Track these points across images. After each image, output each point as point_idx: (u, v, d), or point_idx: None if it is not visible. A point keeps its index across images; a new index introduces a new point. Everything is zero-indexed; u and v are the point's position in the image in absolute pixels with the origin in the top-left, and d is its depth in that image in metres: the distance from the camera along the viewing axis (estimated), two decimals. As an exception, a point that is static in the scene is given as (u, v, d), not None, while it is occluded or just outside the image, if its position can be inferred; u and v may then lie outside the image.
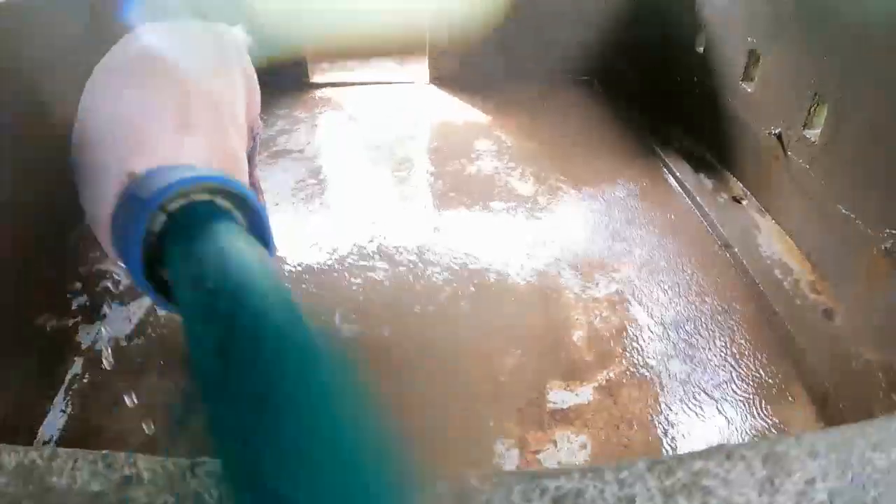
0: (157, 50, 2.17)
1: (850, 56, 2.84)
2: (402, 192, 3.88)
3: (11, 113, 2.91)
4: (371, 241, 3.41)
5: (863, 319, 2.73)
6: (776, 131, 3.37)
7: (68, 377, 2.71)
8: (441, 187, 3.91)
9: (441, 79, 5.45)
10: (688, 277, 3.19)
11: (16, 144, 2.98)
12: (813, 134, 3.12)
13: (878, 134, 2.69)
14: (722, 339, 2.83)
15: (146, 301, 3.06)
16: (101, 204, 1.71)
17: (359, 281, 3.10)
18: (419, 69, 5.73)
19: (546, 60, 5.14)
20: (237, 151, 2.23)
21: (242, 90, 2.62)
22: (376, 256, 3.27)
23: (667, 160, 4.08)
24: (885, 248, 2.60)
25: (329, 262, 3.25)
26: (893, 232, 2.58)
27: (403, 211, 3.68)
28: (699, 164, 4.00)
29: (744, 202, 3.65)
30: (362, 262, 3.23)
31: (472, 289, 3.05)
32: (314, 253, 3.33)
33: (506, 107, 4.94)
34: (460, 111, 4.94)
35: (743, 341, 2.82)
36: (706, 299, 3.05)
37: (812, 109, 3.14)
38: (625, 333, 2.82)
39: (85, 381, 2.69)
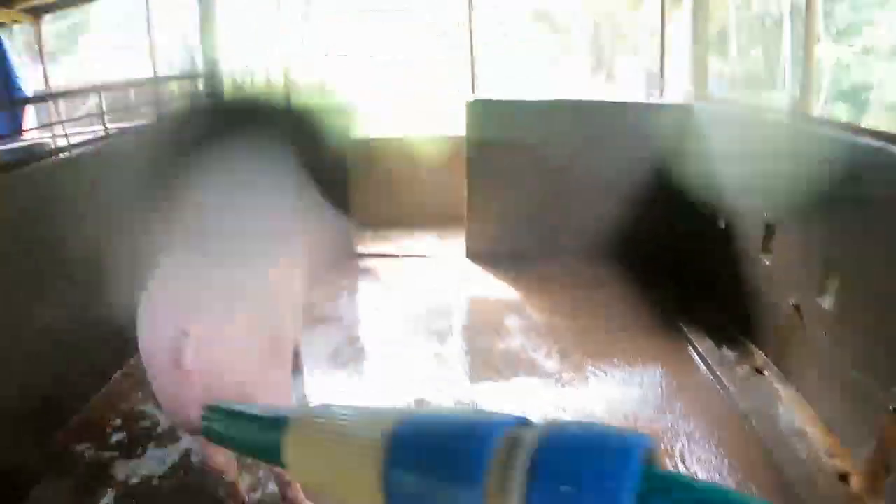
0: (229, 224, 2.36)
1: (859, 228, 2.96)
2: (434, 365, 3.95)
3: (62, 253, 3.19)
4: (395, 403, 3.46)
5: (878, 481, 2.66)
6: (793, 301, 3.40)
7: None
8: (471, 362, 3.97)
9: (476, 254, 5.62)
10: (706, 452, 3.13)
11: (68, 284, 3.25)
12: (826, 302, 3.16)
13: (887, 301, 2.74)
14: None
15: (183, 444, 3.15)
16: (158, 353, 2.03)
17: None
18: (457, 243, 5.92)
19: (576, 238, 5.31)
20: (287, 329, 2.42)
21: (300, 268, 2.79)
22: None
23: (690, 335, 4.11)
24: (895, 408, 2.56)
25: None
26: None
27: (433, 385, 3.72)
28: (722, 337, 4.02)
29: (765, 372, 3.63)
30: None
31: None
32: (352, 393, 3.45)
33: (536, 282, 5.05)
34: (493, 286, 5.08)
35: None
36: (723, 473, 2.98)
37: (824, 279, 3.19)
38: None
39: (115, 514, 2.75)
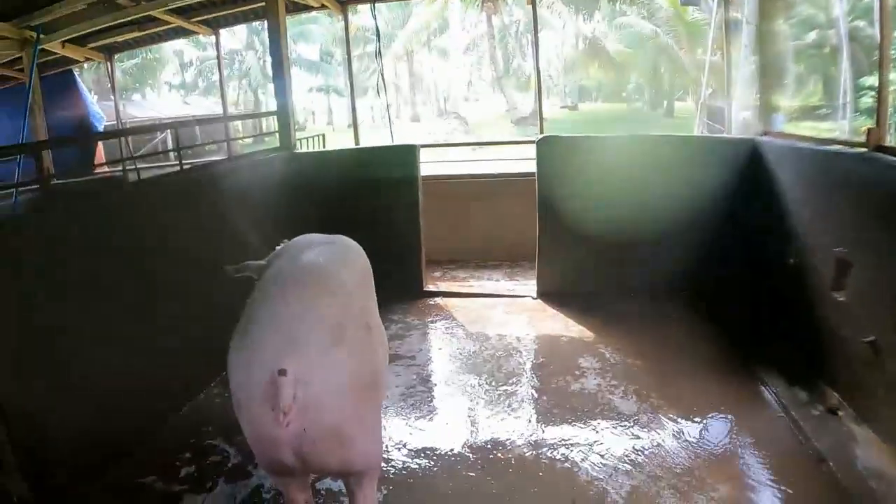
0: (322, 264, 2.48)
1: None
2: (507, 406, 3.92)
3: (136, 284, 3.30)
4: (474, 451, 3.44)
5: None
6: (870, 339, 3.28)
7: None
8: (545, 403, 3.93)
9: (547, 294, 5.59)
10: (784, 495, 3.03)
11: (139, 320, 3.35)
12: (906, 340, 3.04)
13: None
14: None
15: (254, 481, 3.19)
16: (254, 391, 2.05)
17: (462, 490, 3.12)
18: (528, 282, 5.92)
19: (647, 275, 5.25)
20: (380, 368, 2.43)
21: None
22: (479, 466, 3.29)
23: (762, 374, 4.02)
24: None
25: (434, 469, 3.30)
26: None
27: (507, 425, 3.70)
28: (794, 376, 3.89)
29: (840, 413, 3.49)
30: (466, 473, 3.25)
31: None
32: (420, 458, 3.39)
33: (609, 322, 4.97)
34: (565, 326, 5.03)
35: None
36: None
37: (902, 316, 3.08)
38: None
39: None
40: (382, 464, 3.08)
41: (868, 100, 20.57)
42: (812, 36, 26.52)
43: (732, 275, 4.94)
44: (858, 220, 3.53)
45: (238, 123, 17.76)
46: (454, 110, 27.98)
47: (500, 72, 30.87)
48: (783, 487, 3.07)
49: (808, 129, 22.55)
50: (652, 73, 31.72)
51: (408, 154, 5.28)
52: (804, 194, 4.09)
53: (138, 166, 4.08)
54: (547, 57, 33.39)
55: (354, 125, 5.97)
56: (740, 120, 5.36)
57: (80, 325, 3.12)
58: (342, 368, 2.13)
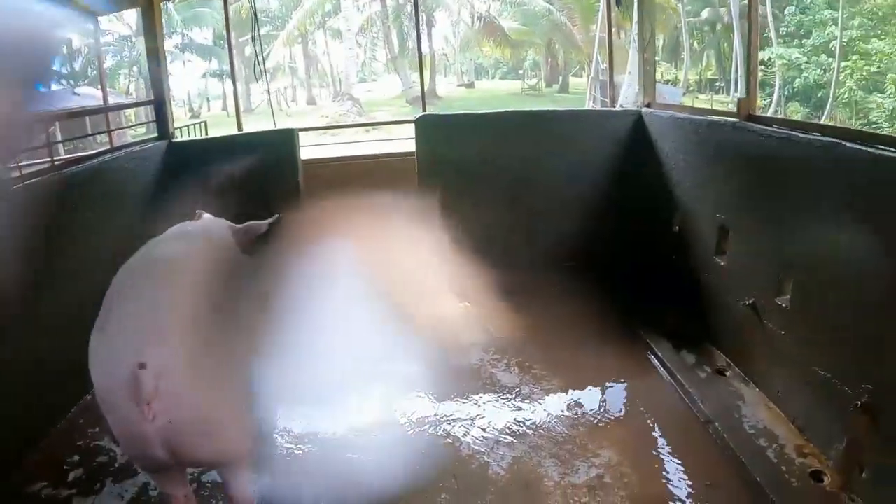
0: (175, 254, 2.45)
1: (813, 226, 2.97)
2: (389, 384, 3.84)
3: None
4: (357, 433, 3.39)
5: (852, 477, 2.66)
6: (750, 301, 3.40)
7: None
8: (427, 381, 3.85)
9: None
10: (669, 458, 3.11)
11: (21, 319, 3.17)
12: (784, 301, 3.18)
13: (839, 295, 2.77)
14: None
15: (140, 479, 3.06)
16: (115, 387, 2.00)
17: (343, 472, 3.05)
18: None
19: (533, 249, 5.25)
20: (242, 354, 2.42)
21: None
22: (361, 447, 3.25)
23: (648, 340, 4.10)
24: (862, 402, 2.57)
25: (316, 453, 3.26)
26: (868, 387, 2.57)
27: (389, 404, 3.66)
28: (681, 340, 4.00)
29: (727, 374, 3.62)
30: (348, 455, 3.20)
31: (453, 480, 2.99)
32: (303, 444, 3.34)
33: (495, 297, 4.95)
34: (450, 302, 4.98)
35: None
36: (688, 478, 2.95)
37: (780, 278, 3.21)
38: (605, 519, 2.71)
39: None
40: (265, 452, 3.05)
41: (759, 73, 21.42)
42: (705, 14, 27.48)
43: (619, 245, 5.03)
44: (735, 187, 3.65)
45: (131, 113, 17.01)
46: (348, 92, 27.62)
47: (394, 52, 30.69)
48: (669, 450, 3.16)
49: (704, 101, 23.35)
50: (547, 49, 32.19)
51: (287, 139, 5.15)
52: (685, 163, 4.20)
53: (20, 163, 3.83)
54: (443, 34, 33.46)
55: (237, 111, 5.76)
56: (633, 94, 5.45)
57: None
58: (201, 357, 2.11)
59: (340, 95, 28.41)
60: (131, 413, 1.98)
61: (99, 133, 11.35)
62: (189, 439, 2.10)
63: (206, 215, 3.13)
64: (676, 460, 3.08)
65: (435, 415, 3.54)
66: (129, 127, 15.45)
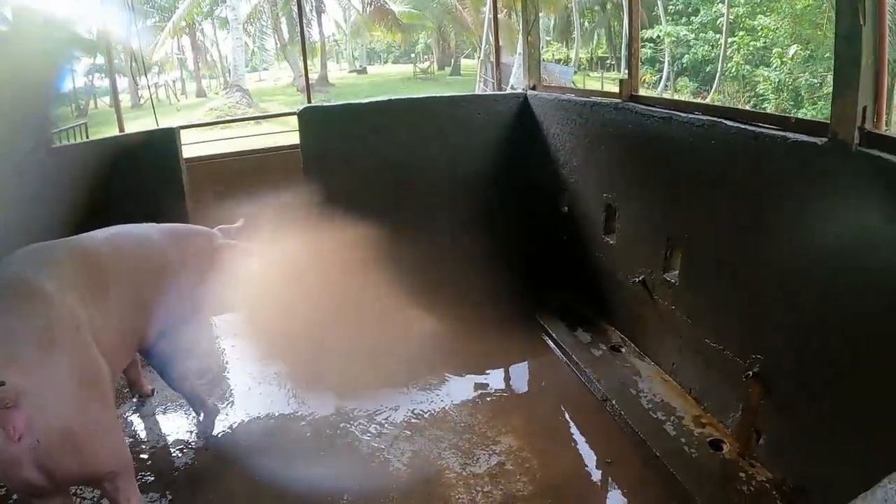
0: (25, 275, 2.34)
1: (696, 201, 3.04)
2: (281, 387, 3.76)
3: None
4: (252, 438, 3.28)
5: (750, 443, 2.75)
6: (640, 278, 3.47)
7: None
8: (322, 381, 3.74)
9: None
10: (569, 439, 3.16)
11: None
12: (672, 276, 3.25)
13: (725, 268, 2.86)
14: (608, 496, 2.80)
15: None
16: None
17: (245, 482, 2.94)
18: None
19: (424, 240, 5.02)
20: (98, 366, 2.30)
21: (123, 303, 2.68)
22: (261, 455, 3.10)
23: (543, 322, 4.14)
24: (754, 372, 2.66)
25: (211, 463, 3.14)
26: (759, 357, 2.66)
27: (281, 408, 3.56)
28: (576, 319, 4.06)
29: (622, 350, 3.68)
30: (247, 463, 3.04)
31: (354, 480, 2.93)
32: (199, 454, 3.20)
33: (385, 287, 4.81)
34: (340, 295, 4.82)
35: (629, 492, 2.77)
36: (589, 458, 3.01)
37: (668, 254, 3.28)
38: (508, 505, 2.73)
39: None
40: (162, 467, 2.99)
41: (647, 51, 22.07)
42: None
43: (510, 228, 5.01)
44: (620, 167, 3.70)
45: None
46: (238, 83, 26.89)
47: (284, 40, 30.11)
48: (568, 431, 3.21)
49: (595, 79, 23.78)
50: (438, 32, 32.19)
51: (168, 139, 4.94)
52: (571, 144, 4.23)
53: None
54: (334, 20, 33.01)
55: (117, 110, 5.46)
56: (522, 75, 5.44)
57: None
58: (59, 371, 2.10)
59: (229, 87, 27.67)
60: None
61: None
62: (60, 456, 2.07)
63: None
64: (576, 440, 3.14)
65: (330, 414, 3.46)
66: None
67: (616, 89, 3.77)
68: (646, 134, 3.37)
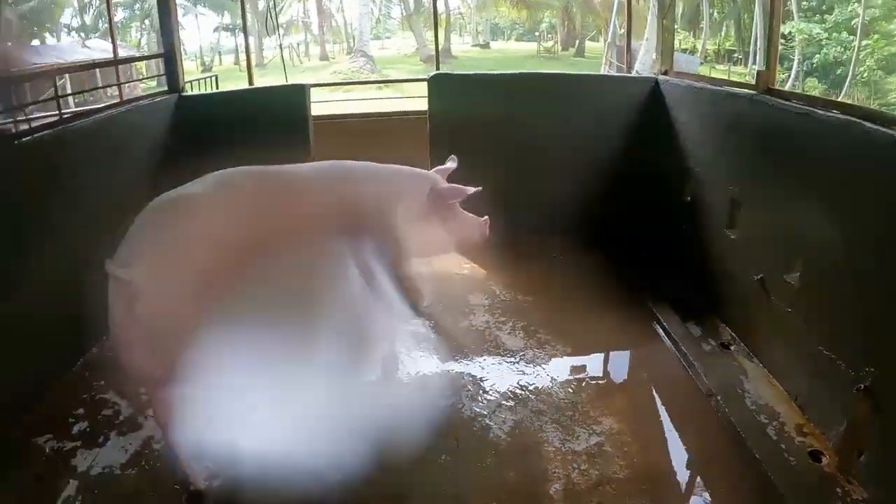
0: (185, 196, 2.74)
1: (825, 203, 2.92)
2: (395, 342, 3.81)
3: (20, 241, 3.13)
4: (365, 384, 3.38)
5: (851, 459, 2.66)
6: (758, 277, 3.38)
7: (60, 499, 2.74)
8: (432, 341, 3.88)
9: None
10: (670, 428, 3.13)
11: (37, 267, 3.18)
12: (792, 278, 3.14)
13: (848, 276, 2.74)
14: (703, 491, 2.75)
15: (144, 433, 3.11)
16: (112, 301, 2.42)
17: (347, 423, 3.03)
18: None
19: (542, 214, 5.18)
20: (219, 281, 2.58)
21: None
22: (363, 405, 3.17)
23: (655, 309, 4.08)
24: (865, 386, 2.56)
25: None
26: (872, 370, 2.56)
27: (390, 360, 3.63)
28: (688, 312, 3.99)
29: (732, 347, 3.62)
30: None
31: (455, 441, 3.02)
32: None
33: (502, 260, 4.85)
34: (457, 264, 4.94)
35: (724, 491, 2.72)
36: (688, 450, 2.98)
37: (790, 255, 3.18)
38: (602, 487, 2.72)
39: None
40: None
41: (779, 47, 21.14)
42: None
43: (629, 212, 4.97)
44: (749, 161, 3.59)
45: (142, 66, 16.88)
46: (362, 49, 27.36)
47: (409, 9, 30.39)
48: (670, 421, 3.18)
49: (721, 72, 23.07)
50: (564, 12, 31.82)
51: (298, 94, 5.09)
52: (700, 134, 4.14)
53: (28, 116, 3.81)
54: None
55: (248, 65, 5.70)
56: (650, 60, 5.36)
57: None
58: (181, 274, 2.47)
59: (354, 52, 28.18)
60: (124, 322, 2.41)
61: (109, 86, 11.31)
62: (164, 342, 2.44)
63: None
64: (677, 431, 3.10)
65: (439, 374, 3.56)
66: (141, 80, 15.37)
67: (745, 83, 3.67)
68: (780, 129, 3.26)
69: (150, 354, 2.46)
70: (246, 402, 2.71)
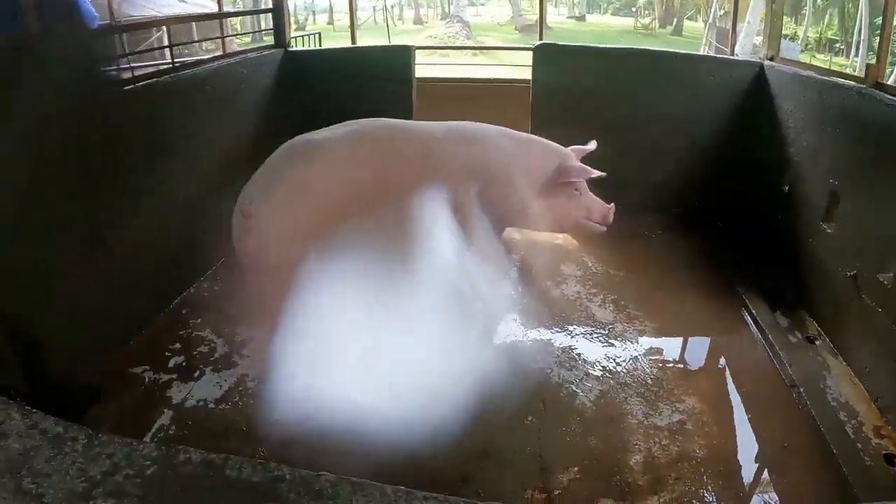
0: (314, 141, 3.17)
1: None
2: (489, 306, 3.92)
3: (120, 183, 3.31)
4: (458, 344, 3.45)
5: None
6: (852, 273, 3.34)
7: (154, 427, 2.96)
8: (525, 306, 4.00)
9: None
10: (751, 414, 3.16)
11: (137, 210, 3.37)
12: (886, 278, 3.11)
13: None
14: (777, 479, 2.79)
15: (239, 370, 3.34)
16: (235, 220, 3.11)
17: (439, 379, 3.09)
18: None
19: (639, 191, 5.12)
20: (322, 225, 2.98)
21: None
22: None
23: (744, 296, 4.07)
24: None
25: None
26: None
27: (484, 323, 3.72)
28: (777, 302, 3.98)
29: (817, 342, 3.60)
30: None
31: (541, 404, 3.13)
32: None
33: (596, 234, 4.90)
34: (550, 234, 4.93)
35: (798, 482, 2.76)
36: (766, 437, 3.01)
37: (887, 253, 3.14)
38: (680, 464, 2.80)
39: (170, 433, 2.93)
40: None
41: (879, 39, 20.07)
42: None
43: (725, 197, 4.94)
44: (851, 154, 3.54)
45: (237, 22, 17.19)
46: (458, 14, 27.23)
47: (507, -24, 30.06)
48: (751, 406, 3.21)
49: (822, 61, 22.17)
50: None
51: (403, 55, 5.17)
52: (803, 123, 4.07)
53: (132, 65, 3.98)
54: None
55: (352, 25, 5.81)
56: (750, 44, 5.25)
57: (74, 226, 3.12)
58: (296, 211, 2.99)
59: (450, 17, 28.06)
60: (238, 227, 3.06)
61: (209, 39, 11.56)
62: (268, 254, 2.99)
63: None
64: (757, 417, 3.13)
65: (530, 339, 3.68)
66: (236, 35, 15.64)
67: (852, 75, 3.59)
68: (888, 125, 3.20)
69: (267, 282, 2.87)
70: (344, 349, 2.85)
